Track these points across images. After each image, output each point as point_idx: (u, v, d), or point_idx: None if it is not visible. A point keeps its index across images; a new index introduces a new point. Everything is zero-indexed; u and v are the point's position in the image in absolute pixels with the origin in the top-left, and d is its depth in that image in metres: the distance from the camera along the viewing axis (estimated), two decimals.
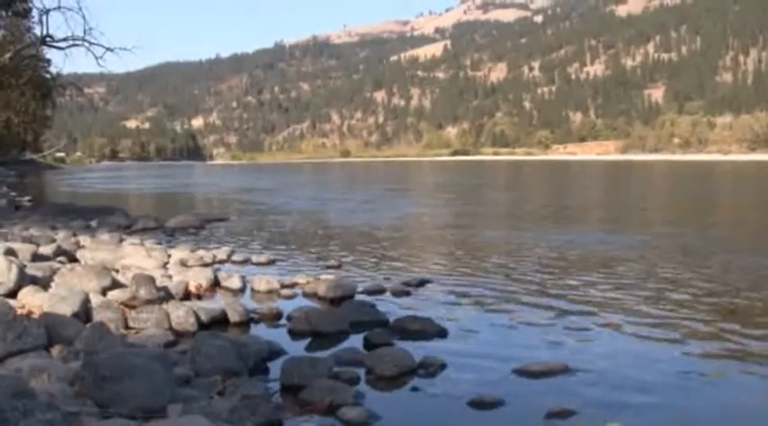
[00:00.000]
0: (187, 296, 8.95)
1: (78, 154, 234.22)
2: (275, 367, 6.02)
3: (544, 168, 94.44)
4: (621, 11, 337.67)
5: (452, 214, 24.04)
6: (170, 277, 9.95)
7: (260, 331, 7.55)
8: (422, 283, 10.14)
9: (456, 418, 5.13)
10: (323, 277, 10.26)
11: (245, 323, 7.83)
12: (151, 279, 8.50)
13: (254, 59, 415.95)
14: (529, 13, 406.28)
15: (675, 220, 21.47)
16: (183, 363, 5.80)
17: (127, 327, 7.18)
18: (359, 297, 9.04)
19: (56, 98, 52.48)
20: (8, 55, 28.65)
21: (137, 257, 11.59)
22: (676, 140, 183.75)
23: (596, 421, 4.91)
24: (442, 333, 7.31)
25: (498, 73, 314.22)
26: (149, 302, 7.96)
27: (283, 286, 9.76)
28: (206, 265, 11.43)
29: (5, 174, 62.48)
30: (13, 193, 34.97)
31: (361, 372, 5.97)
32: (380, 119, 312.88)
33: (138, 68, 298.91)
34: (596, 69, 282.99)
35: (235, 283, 9.80)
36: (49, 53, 37.32)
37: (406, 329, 7.32)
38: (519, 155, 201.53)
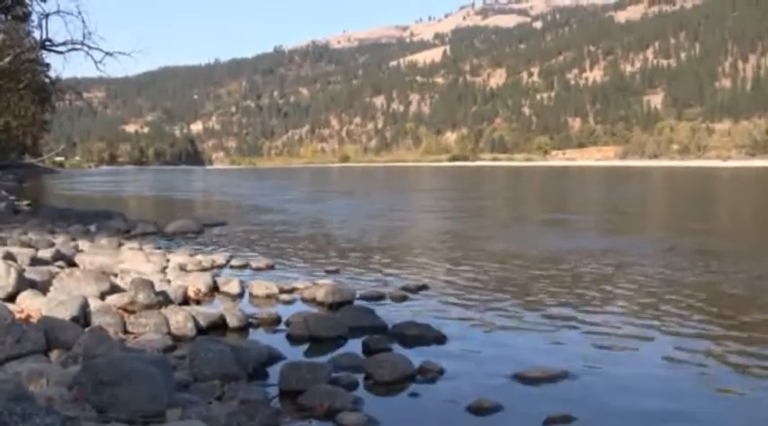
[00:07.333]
0: (186, 300, 8.94)
1: (77, 158, 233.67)
2: (274, 372, 6.02)
3: (543, 174, 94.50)
4: (620, 17, 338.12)
5: (449, 220, 24.04)
6: (169, 281, 9.95)
7: (259, 336, 7.55)
8: (420, 289, 10.15)
9: (455, 423, 5.13)
10: (321, 282, 10.26)
11: (244, 328, 7.83)
12: (150, 284, 8.49)
13: (253, 64, 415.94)
14: (528, 19, 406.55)
15: (673, 226, 21.48)
16: (182, 368, 5.80)
17: (125, 332, 7.18)
18: (357, 303, 9.05)
19: (55, 102, 52.46)
20: (7, 59, 28.63)
21: (135, 261, 11.59)
22: (675, 146, 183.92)
23: None
24: (440, 339, 7.31)
25: (497, 78, 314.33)
26: (148, 307, 7.96)
27: (282, 291, 9.76)
28: (205, 270, 11.44)
29: (4, 178, 62.43)
30: (11, 197, 34.90)
31: (360, 377, 5.97)
32: (379, 125, 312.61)
33: (138, 73, 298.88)
34: (595, 75, 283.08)
35: (233, 288, 9.80)
36: (49, 57, 37.28)
37: (405, 334, 7.32)
38: (518, 161, 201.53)
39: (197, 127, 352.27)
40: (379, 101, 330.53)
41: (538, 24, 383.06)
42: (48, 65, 42.36)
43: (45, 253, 11.77)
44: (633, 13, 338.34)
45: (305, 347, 7.12)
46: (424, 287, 10.30)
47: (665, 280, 10.80)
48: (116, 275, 10.36)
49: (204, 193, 50.19)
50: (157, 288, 8.65)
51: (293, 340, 7.37)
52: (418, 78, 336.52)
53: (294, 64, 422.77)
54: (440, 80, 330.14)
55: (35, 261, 10.75)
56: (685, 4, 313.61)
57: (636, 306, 8.98)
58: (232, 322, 7.84)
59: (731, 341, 7.22)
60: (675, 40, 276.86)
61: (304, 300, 9.41)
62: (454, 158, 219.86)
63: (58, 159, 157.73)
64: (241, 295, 9.70)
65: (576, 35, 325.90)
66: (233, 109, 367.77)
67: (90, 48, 25.15)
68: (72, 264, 11.53)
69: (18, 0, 30.11)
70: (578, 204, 34.01)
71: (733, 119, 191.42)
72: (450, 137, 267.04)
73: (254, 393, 5.43)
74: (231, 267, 12.42)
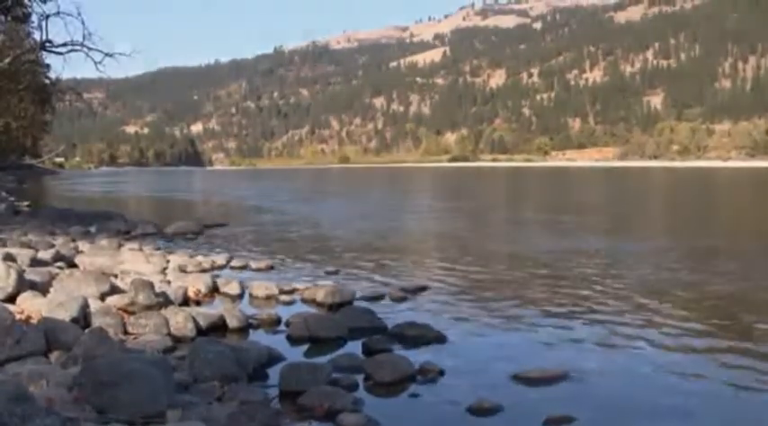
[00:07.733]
0: (186, 301, 8.94)
1: (77, 159, 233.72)
2: (274, 372, 6.02)
3: (543, 175, 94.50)
4: (620, 17, 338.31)
5: (449, 220, 24.03)
6: (169, 282, 9.94)
7: (259, 337, 7.55)
8: (420, 289, 10.14)
9: (455, 424, 5.13)
10: (321, 283, 10.27)
11: (244, 329, 7.83)
12: (150, 285, 8.48)
13: (253, 65, 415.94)
14: (528, 20, 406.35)
15: (672, 227, 21.48)
16: (182, 369, 5.80)
17: (125, 333, 7.18)
18: (357, 303, 9.04)
19: (55, 103, 52.60)
20: (7, 60, 28.70)
21: (135, 262, 11.58)
22: (675, 147, 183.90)
23: None
24: (440, 339, 7.31)
25: (497, 79, 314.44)
26: (148, 307, 7.95)
27: (282, 292, 9.75)
28: (205, 271, 11.44)
29: (4, 179, 62.36)
30: (11, 198, 34.88)
31: (360, 378, 5.97)
32: (379, 125, 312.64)
33: (137, 74, 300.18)
34: (595, 76, 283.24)
35: (233, 289, 9.80)
36: (49, 58, 37.44)
37: (405, 335, 7.32)
38: (518, 162, 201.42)
39: (197, 128, 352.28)
40: (379, 101, 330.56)
41: (538, 25, 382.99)
42: (48, 66, 42.55)
43: (45, 254, 11.76)
44: (633, 13, 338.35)
45: (305, 348, 7.12)
46: (424, 287, 10.30)
47: (665, 281, 10.80)
48: (116, 276, 10.35)
49: (204, 194, 50.19)
50: (157, 289, 8.65)
51: (293, 340, 7.37)
52: (418, 79, 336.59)
53: (294, 65, 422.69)
54: (440, 81, 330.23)
55: (35, 262, 10.74)
56: (685, 4, 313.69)
57: (636, 306, 8.98)
58: (232, 323, 7.84)
59: (731, 341, 7.22)
60: (675, 41, 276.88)
61: (304, 301, 9.41)
62: (454, 159, 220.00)
63: (58, 160, 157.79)
64: (241, 296, 9.69)
65: (575, 36, 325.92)
66: (233, 110, 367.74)
67: (90, 49, 25.33)
68: (72, 265, 11.52)
69: (18, 1, 30.16)
70: (577, 205, 33.97)
71: (733, 120, 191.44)
72: (450, 137, 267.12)
73: (254, 394, 5.43)
74: (231, 268, 12.42)
